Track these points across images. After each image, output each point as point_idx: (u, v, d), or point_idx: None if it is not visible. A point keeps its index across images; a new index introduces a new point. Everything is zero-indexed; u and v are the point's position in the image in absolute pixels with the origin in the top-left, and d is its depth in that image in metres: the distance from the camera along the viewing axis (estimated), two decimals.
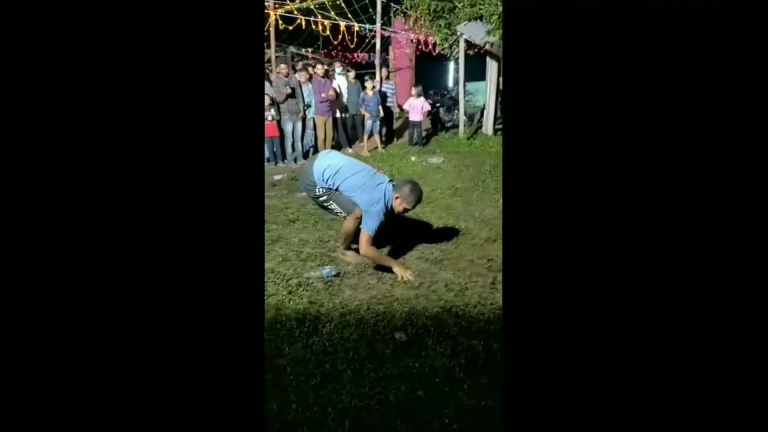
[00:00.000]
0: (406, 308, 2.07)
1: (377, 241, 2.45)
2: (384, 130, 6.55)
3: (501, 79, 7.28)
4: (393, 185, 2.42)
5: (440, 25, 6.76)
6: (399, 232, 2.83)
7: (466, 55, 6.72)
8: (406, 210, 2.40)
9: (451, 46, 6.84)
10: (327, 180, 2.44)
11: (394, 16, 8.52)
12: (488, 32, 6.07)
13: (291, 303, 2.14)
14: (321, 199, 2.51)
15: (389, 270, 2.40)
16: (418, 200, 2.40)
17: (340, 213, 2.52)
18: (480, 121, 7.55)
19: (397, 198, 2.35)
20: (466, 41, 6.48)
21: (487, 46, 6.23)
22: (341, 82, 6.10)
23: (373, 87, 6.05)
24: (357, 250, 2.51)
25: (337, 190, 2.45)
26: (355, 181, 2.40)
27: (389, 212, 2.39)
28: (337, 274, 2.40)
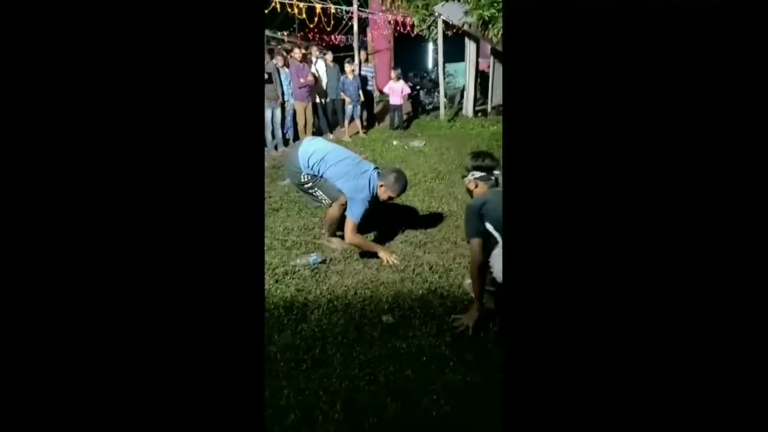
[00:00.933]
0: (393, 291, 2.11)
1: (362, 226, 2.47)
2: (365, 115, 6.49)
3: (480, 59, 7.27)
4: (378, 173, 2.44)
5: (417, 6, 6.67)
6: (383, 217, 2.85)
7: (445, 36, 6.67)
8: (390, 198, 2.42)
9: (429, 27, 6.77)
10: (312, 166, 2.44)
11: None
12: (465, 12, 6.03)
13: (278, 291, 2.16)
14: (306, 185, 2.50)
15: (375, 255, 2.43)
16: (403, 189, 2.42)
17: (325, 200, 2.53)
18: (460, 102, 7.56)
19: (381, 186, 2.37)
20: (444, 22, 6.42)
21: (465, 27, 6.19)
22: (320, 66, 5.99)
23: (353, 71, 5.97)
24: (342, 237, 2.53)
25: (322, 177, 2.45)
26: (340, 168, 2.40)
27: (374, 200, 2.41)
28: (323, 261, 2.42)
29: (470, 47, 6.92)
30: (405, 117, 6.77)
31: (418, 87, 8.01)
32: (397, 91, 6.30)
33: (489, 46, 6.91)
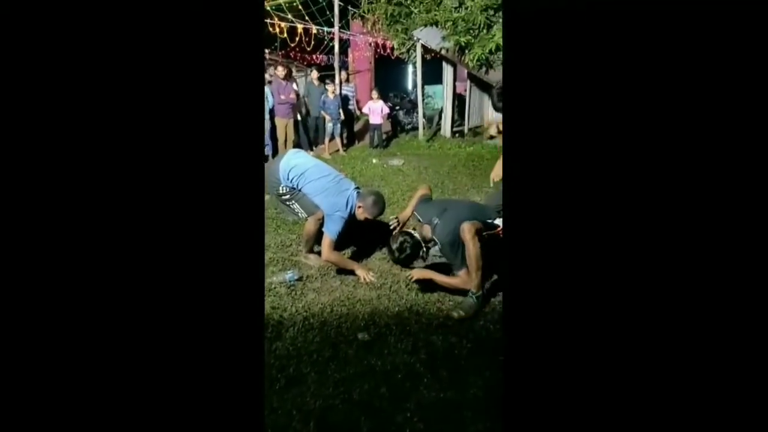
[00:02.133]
0: (369, 309, 2.12)
1: (339, 242, 2.48)
2: (345, 133, 6.57)
3: (457, 83, 7.52)
4: (358, 192, 2.48)
5: (397, 30, 6.89)
6: (361, 234, 2.87)
7: (424, 59, 6.89)
8: (367, 219, 2.45)
9: (408, 51, 6.98)
10: (292, 180, 2.45)
11: (352, 19, 8.56)
12: (443, 38, 6.26)
13: None
14: (284, 197, 2.51)
15: (352, 273, 2.44)
16: (380, 212, 2.47)
17: (302, 214, 2.53)
18: (438, 123, 7.75)
19: (360, 207, 2.41)
20: (423, 46, 6.64)
21: (443, 51, 6.42)
22: (300, 84, 6.06)
23: (334, 90, 6.06)
24: (320, 253, 2.54)
25: (300, 190, 2.46)
26: (319, 184, 2.42)
27: (351, 218, 2.43)
28: (300, 278, 2.41)
29: (448, 71, 7.16)
30: (384, 136, 6.88)
31: (397, 107, 8.18)
32: (376, 110, 6.42)
33: (465, 70, 7.17)
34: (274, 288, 2.31)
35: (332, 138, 6.15)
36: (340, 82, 6.67)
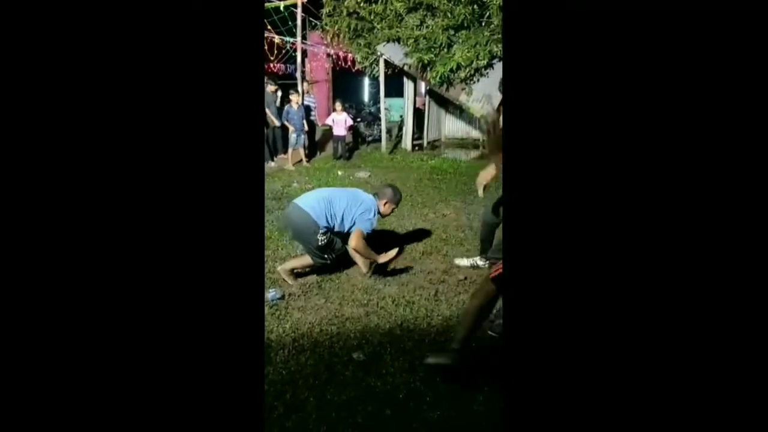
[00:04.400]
0: (359, 327, 2.09)
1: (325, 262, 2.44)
2: (306, 143, 6.47)
3: (417, 98, 7.72)
4: (374, 194, 2.66)
5: (359, 44, 6.95)
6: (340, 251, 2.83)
7: (384, 74, 7.00)
8: (392, 210, 2.70)
9: (371, 65, 7.06)
10: (329, 218, 2.43)
11: (311, 30, 8.52)
12: (405, 54, 6.41)
13: None
14: (322, 242, 2.43)
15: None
16: (401, 197, 2.74)
17: (338, 245, 2.54)
18: (398, 135, 7.89)
19: (385, 203, 2.61)
20: (386, 61, 6.75)
21: (405, 67, 6.57)
22: None
23: (297, 101, 5.96)
24: (297, 275, 2.52)
25: (335, 230, 2.48)
26: (348, 214, 2.47)
27: (377, 219, 2.57)
28: (282, 297, 2.32)
29: (408, 86, 7.33)
30: (347, 148, 6.87)
31: (358, 119, 8.22)
32: (340, 122, 6.40)
33: (423, 86, 7.38)
34: None
35: (294, 148, 6.04)
36: (302, 93, 6.58)
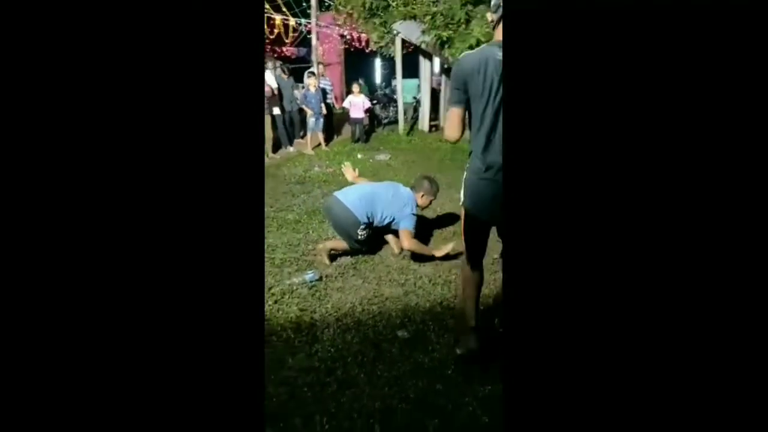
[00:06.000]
0: (400, 306, 2.11)
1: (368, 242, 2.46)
2: (324, 127, 6.44)
3: (434, 78, 7.58)
4: (411, 187, 2.66)
5: (375, 23, 6.82)
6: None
7: (392, 55, 6.85)
8: (430, 202, 2.70)
9: (386, 44, 6.94)
10: (369, 216, 2.46)
11: (323, 12, 8.38)
12: (423, 32, 6.28)
13: (280, 313, 2.05)
14: (362, 237, 2.48)
15: (430, 258, 2.51)
16: (438, 188, 2.73)
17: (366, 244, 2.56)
18: (414, 116, 7.79)
19: (422, 195, 2.63)
20: (402, 39, 6.62)
21: (423, 46, 6.44)
22: (269, 77, 5.80)
23: (315, 84, 5.91)
24: (333, 256, 2.56)
25: (374, 225, 2.51)
26: (388, 211, 2.49)
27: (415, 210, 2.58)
28: (320, 279, 2.35)
29: (425, 65, 7.19)
30: (364, 130, 6.83)
31: (373, 101, 8.13)
32: (358, 104, 6.34)
33: (438, 66, 7.22)
34: (296, 289, 2.24)
35: (313, 132, 6.02)
36: (318, 76, 6.51)
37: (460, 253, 2.72)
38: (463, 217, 1.65)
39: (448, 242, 2.66)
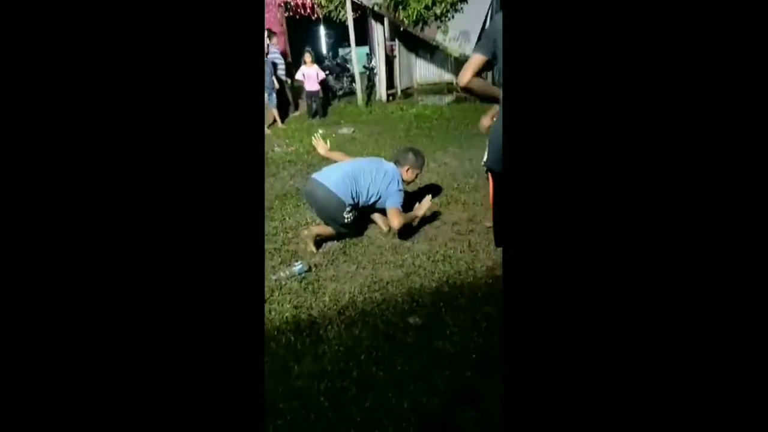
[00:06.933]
0: (404, 290, 1.95)
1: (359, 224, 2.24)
2: (277, 103, 5.98)
3: (387, 43, 7.22)
4: (395, 162, 2.45)
5: None
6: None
7: (345, 19, 6.41)
8: (416, 176, 2.50)
9: (336, 8, 6.47)
10: (355, 196, 2.27)
11: None
12: None
13: (273, 314, 1.83)
14: (348, 221, 2.29)
15: (419, 225, 2.43)
16: (424, 161, 2.53)
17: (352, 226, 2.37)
18: (368, 86, 7.45)
19: (408, 169, 2.43)
20: (353, 2, 6.19)
21: (375, 8, 6.06)
22: None
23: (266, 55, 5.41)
24: (319, 243, 2.33)
25: (359, 206, 2.32)
26: (373, 189, 2.32)
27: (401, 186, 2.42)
28: (309, 269, 2.13)
29: (377, 29, 6.81)
30: (320, 103, 6.42)
31: (326, 72, 7.66)
32: (312, 76, 5.92)
33: (388, 31, 6.86)
34: (285, 284, 2.01)
35: (266, 110, 5.56)
36: (266, 47, 5.97)
37: (438, 213, 2.65)
38: (491, 185, 1.49)
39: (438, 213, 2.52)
